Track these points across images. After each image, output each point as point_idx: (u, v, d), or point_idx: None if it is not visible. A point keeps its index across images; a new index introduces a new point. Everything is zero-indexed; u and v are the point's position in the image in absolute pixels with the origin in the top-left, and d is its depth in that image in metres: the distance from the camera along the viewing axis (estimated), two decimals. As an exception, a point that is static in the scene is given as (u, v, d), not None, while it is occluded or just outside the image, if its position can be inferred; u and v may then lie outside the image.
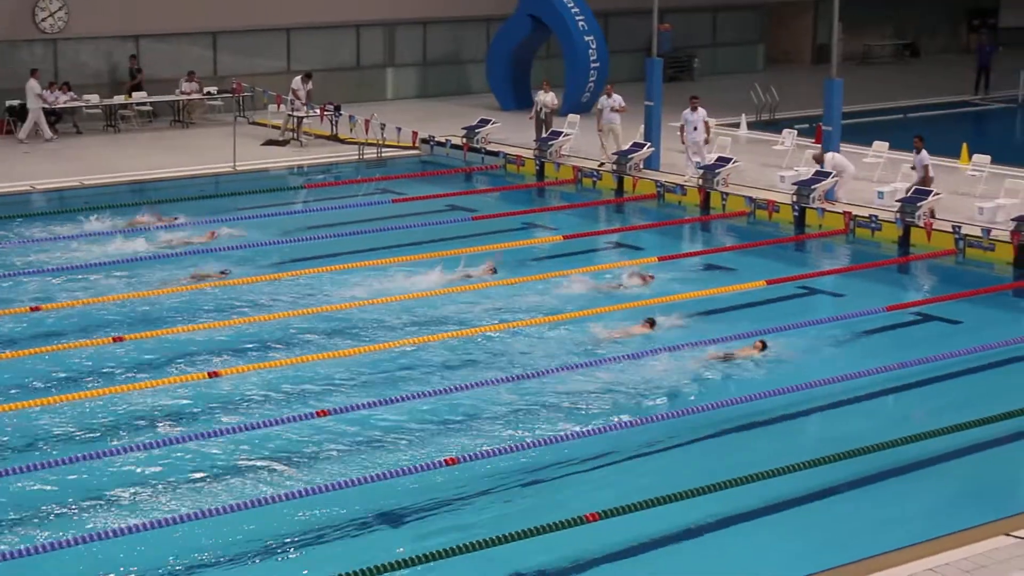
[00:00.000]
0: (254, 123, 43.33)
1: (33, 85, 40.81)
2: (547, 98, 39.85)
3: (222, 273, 27.64)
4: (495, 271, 27.87)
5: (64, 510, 17.76)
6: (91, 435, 20.03)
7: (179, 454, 19.32)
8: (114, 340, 23.38)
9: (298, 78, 42.26)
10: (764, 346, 23.64)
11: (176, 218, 31.35)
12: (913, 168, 32.31)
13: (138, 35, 44.22)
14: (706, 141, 36.03)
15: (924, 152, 31.93)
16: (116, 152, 39.79)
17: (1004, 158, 35.55)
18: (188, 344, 23.74)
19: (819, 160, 33.25)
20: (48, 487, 18.31)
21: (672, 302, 26.08)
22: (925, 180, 31.85)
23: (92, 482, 18.53)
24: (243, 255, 29.10)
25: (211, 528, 17.13)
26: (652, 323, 24.72)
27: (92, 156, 39.28)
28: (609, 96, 37.56)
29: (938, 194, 31.31)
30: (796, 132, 38.66)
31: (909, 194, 31.53)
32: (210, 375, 21.95)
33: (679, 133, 36.21)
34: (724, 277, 28.21)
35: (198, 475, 18.84)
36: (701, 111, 35.77)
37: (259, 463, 19.26)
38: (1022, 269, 29.19)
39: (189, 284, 26.90)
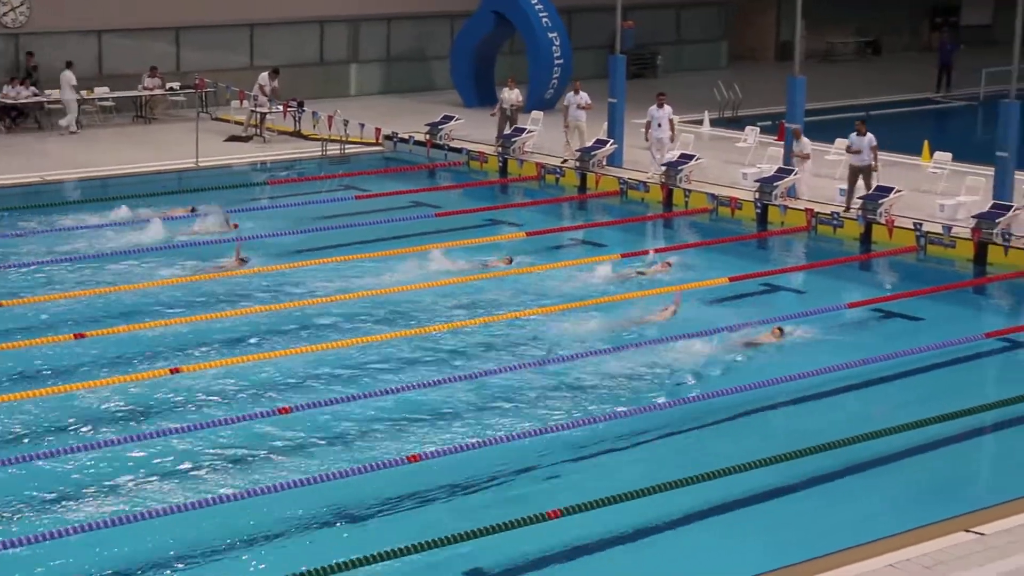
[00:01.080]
0: (217, 119, 43.23)
1: (68, 76, 41.10)
2: (512, 95, 39.86)
3: (242, 261, 27.96)
4: (511, 262, 28.42)
5: (18, 508, 17.71)
6: (51, 432, 19.95)
7: (140, 451, 19.26)
8: (75, 337, 23.31)
9: (265, 74, 42.17)
10: (782, 332, 24.17)
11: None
12: (857, 152, 32.09)
13: (100, 30, 44.06)
14: (671, 139, 36.06)
15: (870, 134, 31.99)
16: (78, 148, 39.59)
17: (965, 156, 35.69)
18: (150, 340, 23.67)
19: (798, 136, 33.43)
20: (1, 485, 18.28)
21: (636, 298, 26.19)
22: (874, 163, 31.96)
23: (51, 479, 18.46)
24: (206, 251, 29.05)
25: (171, 526, 17.07)
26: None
27: (54, 152, 39.10)
28: (576, 93, 37.63)
29: (900, 191, 31.44)
30: (759, 129, 38.77)
31: (871, 191, 31.68)
32: (172, 371, 21.88)
33: (644, 130, 36.20)
34: (687, 274, 28.24)
35: (159, 472, 18.78)
36: (667, 108, 35.79)
37: (221, 460, 19.22)
38: (983, 266, 29.36)
39: (151, 281, 26.85)
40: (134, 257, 28.54)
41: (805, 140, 33.47)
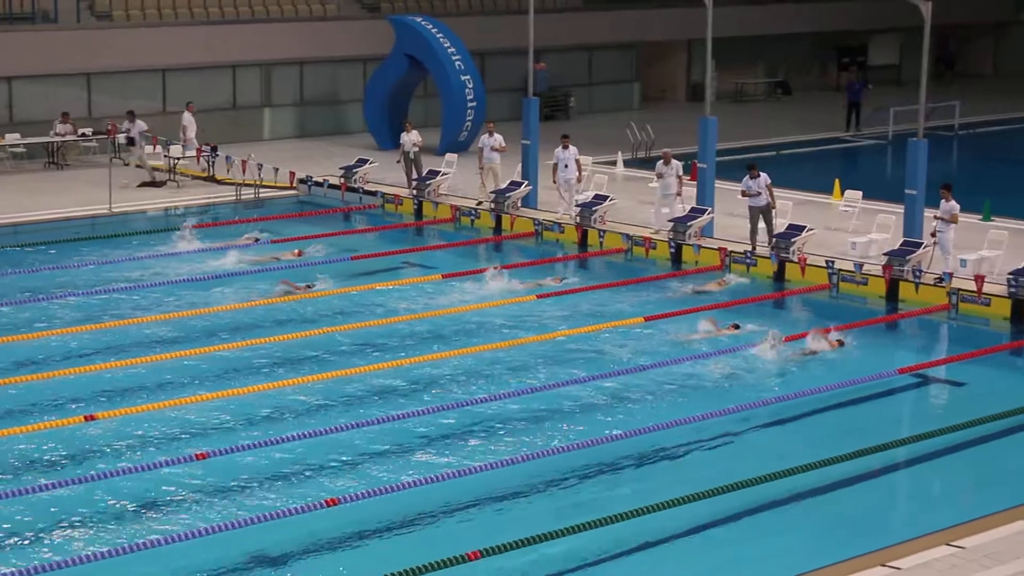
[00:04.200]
0: (129, 164, 42.97)
1: (187, 117, 42.24)
2: (410, 138, 39.71)
3: (308, 287, 29.26)
4: (562, 280, 31.05)
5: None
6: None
7: (52, 500, 19.07)
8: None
9: (186, 113, 42.25)
10: (841, 343, 25.86)
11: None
12: (754, 194, 32.29)
13: (10, 76, 43.76)
14: (578, 179, 36.27)
15: (763, 174, 32.28)
16: (-12, 194, 39.32)
17: (875, 193, 36.17)
18: (62, 387, 23.46)
19: (667, 160, 34.24)
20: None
21: (553, 339, 26.33)
22: (772, 201, 32.28)
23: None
24: (129, 297, 28.95)
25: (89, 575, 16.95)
26: (737, 326, 26.91)
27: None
28: (490, 135, 37.76)
29: (812, 230, 31.77)
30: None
31: (775, 229, 32.02)
32: (86, 419, 21.68)
33: (552, 172, 36.38)
34: (603, 314, 28.40)
35: (72, 521, 18.64)
36: (573, 149, 36.02)
37: (136, 507, 19.09)
38: (894, 303, 29.67)
39: (69, 327, 26.67)
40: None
41: (676, 163, 34.34)
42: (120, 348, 25.83)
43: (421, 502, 19.29)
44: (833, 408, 23.44)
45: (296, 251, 32.68)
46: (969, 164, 47.21)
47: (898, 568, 17.23)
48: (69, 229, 35.58)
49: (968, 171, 44.99)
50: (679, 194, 34.46)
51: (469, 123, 45.85)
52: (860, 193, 35.59)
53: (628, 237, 33.95)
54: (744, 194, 32.62)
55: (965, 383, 25.28)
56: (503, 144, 37.70)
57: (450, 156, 40.97)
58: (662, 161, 34.73)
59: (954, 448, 21.68)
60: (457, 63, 45.82)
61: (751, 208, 32.51)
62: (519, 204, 36.62)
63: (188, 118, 42.59)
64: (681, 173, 34.42)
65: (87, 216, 37.29)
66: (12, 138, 42.84)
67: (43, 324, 27.03)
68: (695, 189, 35.01)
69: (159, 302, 28.79)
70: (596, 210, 34.75)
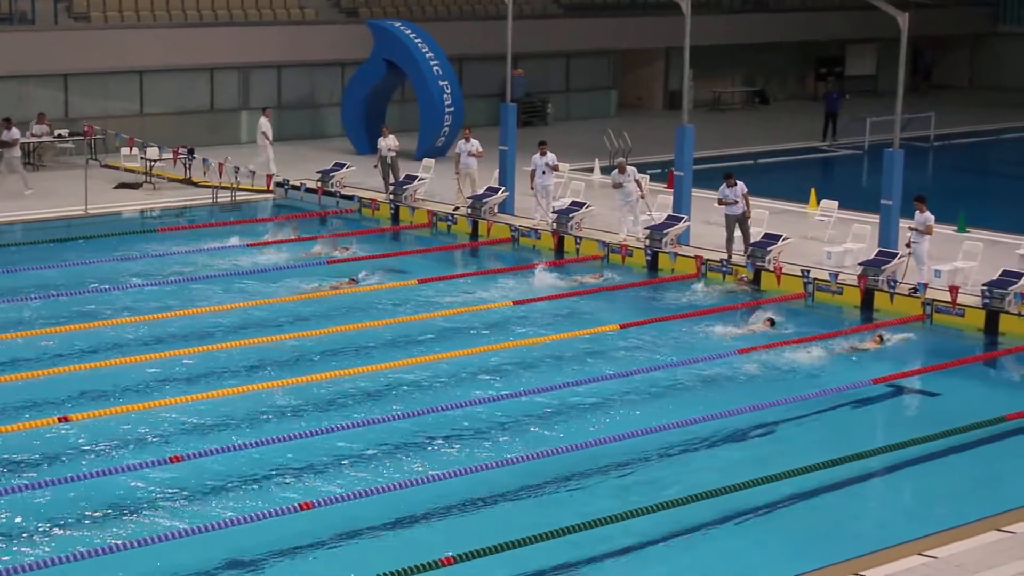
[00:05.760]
0: (106, 166, 42.89)
1: (264, 123, 41.82)
2: (387, 142, 39.71)
3: (352, 281, 30.11)
4: (601, 277, 31.78)
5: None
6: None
7: (26, 502, 19.05)
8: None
9: (263, 119, 42.21)
10: (882, 339, 26.50)
11: (348, 247, 33.30)
12: (730, 203, 32.41)
13: (-13, 76, 43.72)
14: (555, 168, 36.39)
15: (739, 183, 32.40)
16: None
17: (851, 203, 36.28)
18: (35, 388, 23.39)
19: (622, 169, 34.31)
20: None
21: (528, 345, 26.34)
22: (748, 210, 32.38)
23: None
24: (103, 299, 28.87)
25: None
26: (772, 322, 27.97)
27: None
28: (467, 140, 37.77)
29: (787, 239, 31.86)
30: (648, 177, 39.02)
31: (751, 238, 32.09)
32: (60, 419, 21.64)
33: (529, 178, 36.42)
34: (578, 321, 28.43)
35: (43, 524, 18.61)
36: (550, 155, 36.06)
37: (108, 510, 19.06)
38: (869, 312, 29.76)
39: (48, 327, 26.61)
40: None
41: (631, 169, 34.54)
42: (94, 349, 25.77)
43: (396, 506, 19.29)
44: (807, 417, 23.49)
45: (344, 247, 33.69)
46: (944, 175, 47.38)
47: (869, 578, 17.32)
48: (44, 231, 35.47)
49: (943, 182, 45.15)
50: (643, 196, 34.60)
51: (447, 128, 45.86)
52: (836, 203, 35.70)
53: (604, 244, 34.00)
54: (721, 202, 32.72)
55: (939, 393, 25.37)
56: (480, 150, 37.73)
57: (427, 161, 40.98)
58: (617, 171, 34.78)
59: (927, 458, 21.76)
60: (435, 68, 45.84)
61: (727, 217, 32.61)
62: (496, 210, 36.64)
63: (265, 123, 42.02)
64: (638, 177, 34.59)
65: (63, 217, 37.18)
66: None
67: (20, 324, 26.97)
68: (672, 197, 35.08)
69: (139, 302, 28.73)
70: (573, 217, 34.80)
